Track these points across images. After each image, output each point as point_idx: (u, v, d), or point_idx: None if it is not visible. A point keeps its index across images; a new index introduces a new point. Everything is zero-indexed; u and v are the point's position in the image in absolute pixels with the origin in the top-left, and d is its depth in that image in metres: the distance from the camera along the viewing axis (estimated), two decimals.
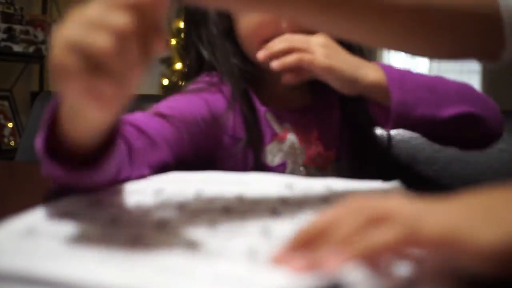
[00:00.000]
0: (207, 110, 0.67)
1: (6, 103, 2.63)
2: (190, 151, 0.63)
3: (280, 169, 0.69)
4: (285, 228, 0.35)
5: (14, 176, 0.64)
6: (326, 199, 0.42)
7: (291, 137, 0.70)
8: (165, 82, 3.61)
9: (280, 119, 0.71)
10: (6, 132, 2.55)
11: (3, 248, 0.29)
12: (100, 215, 0.36)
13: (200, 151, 0.65)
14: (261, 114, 0.70)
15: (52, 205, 0.37)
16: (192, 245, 0.31)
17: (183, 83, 0.75)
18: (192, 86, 0.70)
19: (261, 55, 0.64)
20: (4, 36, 2.35)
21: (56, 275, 0.25)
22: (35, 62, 2.79)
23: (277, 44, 0.64)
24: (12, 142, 2.55)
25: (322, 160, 0.71)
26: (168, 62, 3.82)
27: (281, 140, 0.70)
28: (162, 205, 0.40)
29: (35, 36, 2.51)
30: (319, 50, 0.62)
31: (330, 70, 0.62)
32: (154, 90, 3.55)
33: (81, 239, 0.31)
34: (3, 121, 2.56)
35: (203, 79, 0.71)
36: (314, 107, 0.74)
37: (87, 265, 0.27)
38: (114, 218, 0.36)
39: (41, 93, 1.13)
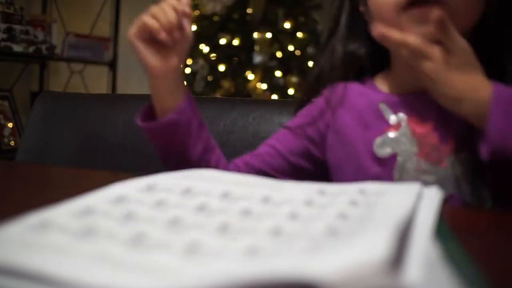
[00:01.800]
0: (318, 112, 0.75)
1: (6, 103, 2.63)
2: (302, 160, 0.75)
3: (390, 161, 0.66)
4: (295, 228, 0.35)
5: (14, 176, 0.63)
6: (354, 202, 0.42)
7: (404, 128, 0.66)
8: None
9: (395, 108, 0.68)
10: (6, 132, 2.56)
11: (8, 240, 0.29)
12: (116, 211, 0.37)
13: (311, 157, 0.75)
14: (373, 106, 0.69)
15: (74, 200, 0.38)
16: (193, 245, 0.31)
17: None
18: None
19: (377, 30, 0.58)
20: (4, 36, 2.35)
21: (46, 270, 0.25)
22: (35, 62, 2.80)
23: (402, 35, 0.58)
24: (12, 142, 2.55)
25: (437, 153, 0.64)
26: None
27: (393, 131, 0.67)
28: (183, 203, 0.40)
29: (35, 36, 2.51)
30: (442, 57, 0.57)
31: (441, 82, 0.58)
32: None
33: (89, 234, 0.31)
34: (3, 121, 2.56)
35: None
36: None
37: (80, 262, 0.27)
38: (129, 214, 0.36)
39: (41, 93, 1.13)
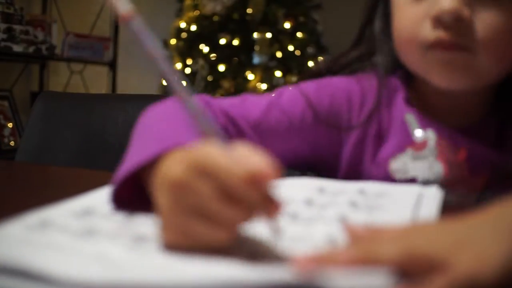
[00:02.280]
0: (328, 103, 0.59)
1: (6, 103, 2.63)
2: (304, 148, 0.59)
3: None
4: (297, 230, 0.35)
5: (14, 176, 0.63)
6: (354, 203, 0.42)
7: (430, 149, 0.56)
8: (165, 82, 3.63)
9: (424, 124, 0.57)
10: (6, 132, 2.55)
11: (7, 239, 0.29)
12: (116, 212, 0.37)
13: (317, 149, 0.59)
14: (398, 117, 0.58)
15: (72, 200, 0.38)
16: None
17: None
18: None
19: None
20: (4, 36, 2.35)
21: (47, 270, 0.25)
22: (35, 62, 2.80)
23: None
24: (12, 142, 2.55)
25: (467, 186, 0.55)
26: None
27: (417, 150, 0.56)
28: None
29: (35, 36, 2.51)
30: None
31: None
32: (154, 90, 3.56)
33: (90, 234, 0.31)
34: (3, 121, 2.56)
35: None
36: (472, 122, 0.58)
37: (80, 261, 0.27)
38: (129, 216, 0.36)
39: (41, 93, 1.13)
